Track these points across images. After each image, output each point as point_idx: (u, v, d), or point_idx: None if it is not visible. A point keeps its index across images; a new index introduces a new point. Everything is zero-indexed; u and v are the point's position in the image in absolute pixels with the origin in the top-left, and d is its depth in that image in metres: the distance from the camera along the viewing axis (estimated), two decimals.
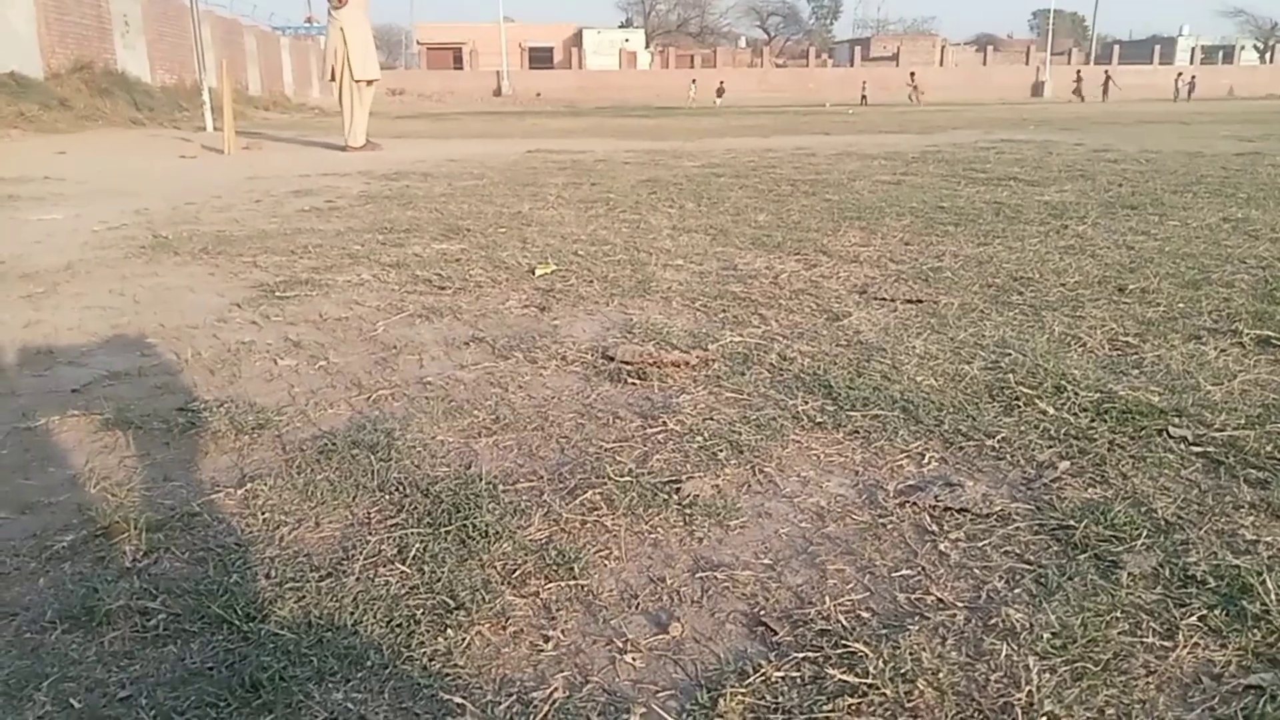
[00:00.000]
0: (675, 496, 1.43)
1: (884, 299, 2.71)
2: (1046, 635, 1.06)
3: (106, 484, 1.48)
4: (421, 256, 3.43)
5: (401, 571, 1.21)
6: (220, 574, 1.20)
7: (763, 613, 1.13)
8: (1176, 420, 1.70)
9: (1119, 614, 1.10)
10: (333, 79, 9.55)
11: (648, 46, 62.16)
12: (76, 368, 2.10)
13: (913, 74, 43.39)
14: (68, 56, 17.26)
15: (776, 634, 1.09)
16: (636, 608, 1.15)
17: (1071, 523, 1.32)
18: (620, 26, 66.95)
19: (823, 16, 79.55)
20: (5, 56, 15.19)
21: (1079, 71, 43.19)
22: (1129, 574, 1.19)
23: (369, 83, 9.61)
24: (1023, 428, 1.69)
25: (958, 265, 3.16)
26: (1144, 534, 1.28)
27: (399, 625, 1.08)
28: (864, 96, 40.51)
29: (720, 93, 44.15)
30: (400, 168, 7.41)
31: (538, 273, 3.13)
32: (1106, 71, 44.70)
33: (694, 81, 45.43)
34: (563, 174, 6.73)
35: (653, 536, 1.32)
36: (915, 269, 3.12)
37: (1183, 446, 1.60)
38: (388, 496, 1.43)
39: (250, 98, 23.97)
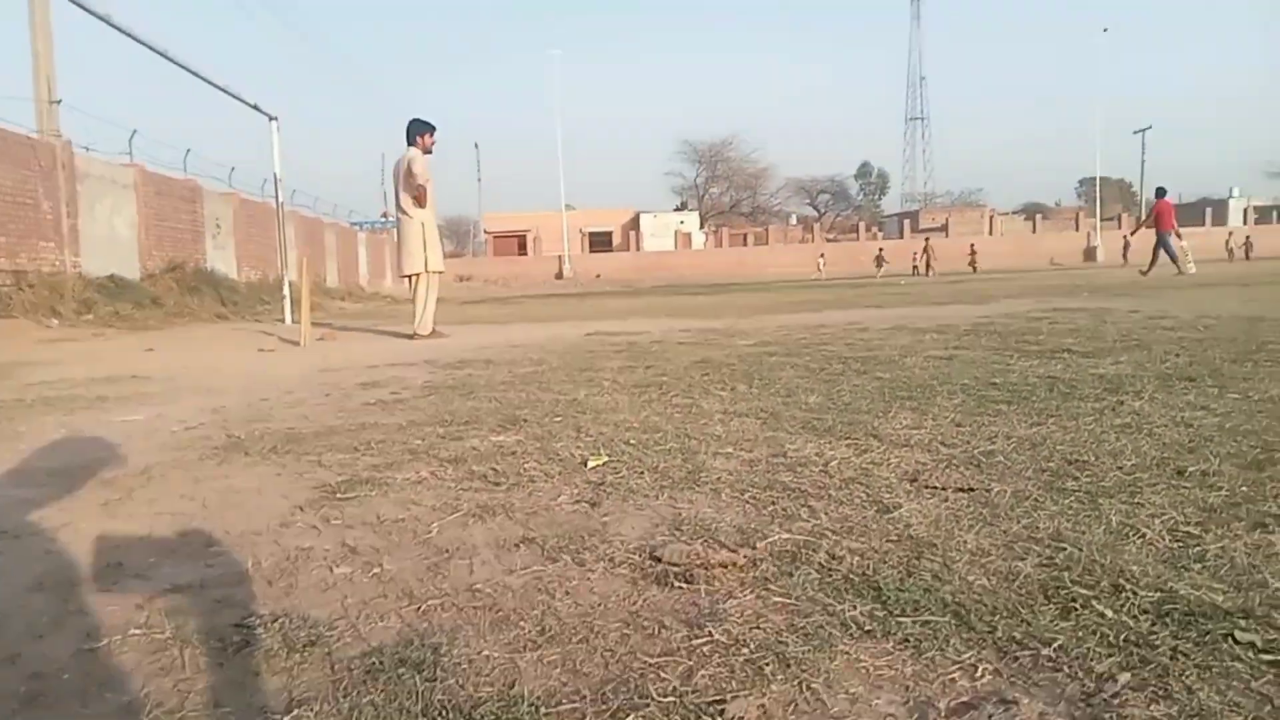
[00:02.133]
0: (720, 719, 1.40)
1: (935, 487, 2.69)
2: None
3: (159, 712, 1.51)
4: (479, 450, 3.53)
5: None
6: None
7: None
8: (1243, 623, 1.63)
9: None
10: (403, 275, 10.40)
11: (702, 227, 64.74)
12: (143, 580, 2.18)
13: (927, 239, 43.59)
14: (163, 258, 18.63)
15: None
16: None
17: None
18: (676, 209, 70.10)
19: (871, 192, 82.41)
20: (108, 260, 16.50)
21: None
22: None
23: (439, 273, 10.44)
24: (1080, 633, 1.64)
25: (1010, 448, 3.14)
26: None
27: None
28: (915, 267, 41.26)
29: (880, 262, 43.72)
30: (464, 355, 7.70)
31: (590, 464, 3.19)
32: (1125, 237, 45.83)
33: (822, 255, 46.98)
34: (619, 356, 6.92)
35: None
36: (967, 453, 3.11)
37: (1251, 654, 1.53)
38: None
39: (328, 289, 25.40)
